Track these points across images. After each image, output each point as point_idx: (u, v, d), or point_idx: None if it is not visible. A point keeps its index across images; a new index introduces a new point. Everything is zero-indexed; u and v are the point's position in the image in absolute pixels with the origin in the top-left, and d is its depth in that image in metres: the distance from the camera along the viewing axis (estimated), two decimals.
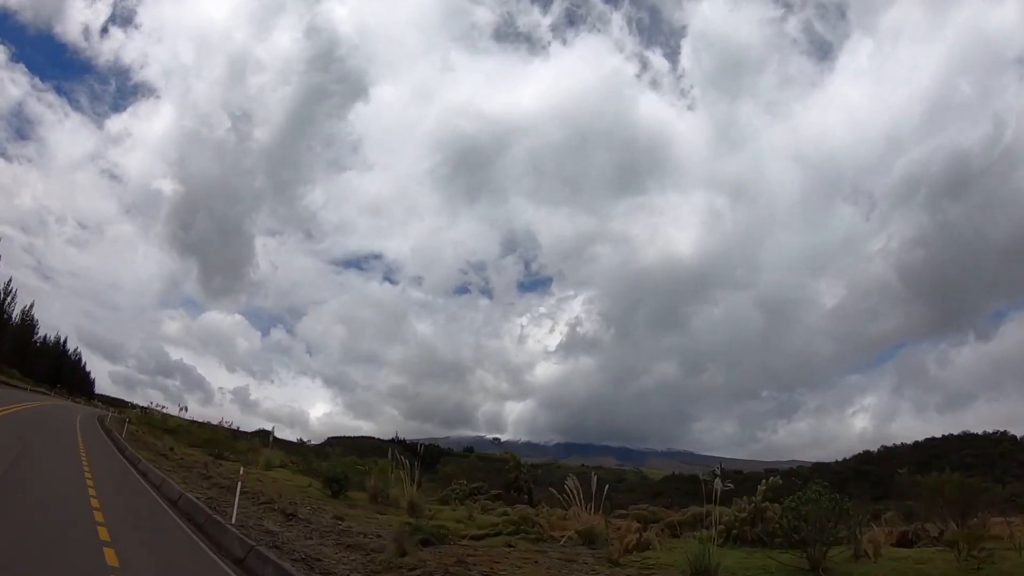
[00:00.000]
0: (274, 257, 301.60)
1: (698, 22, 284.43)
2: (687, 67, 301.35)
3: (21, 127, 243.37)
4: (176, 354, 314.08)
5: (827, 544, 9.95)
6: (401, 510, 14.85)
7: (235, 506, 10.05)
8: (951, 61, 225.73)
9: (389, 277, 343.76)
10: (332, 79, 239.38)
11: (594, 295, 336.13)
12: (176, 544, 8.75)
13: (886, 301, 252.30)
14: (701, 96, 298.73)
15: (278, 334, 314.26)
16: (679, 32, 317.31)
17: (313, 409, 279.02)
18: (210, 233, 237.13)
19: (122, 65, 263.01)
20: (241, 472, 11.52)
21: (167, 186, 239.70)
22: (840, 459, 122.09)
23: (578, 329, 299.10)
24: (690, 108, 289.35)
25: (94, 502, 10.28)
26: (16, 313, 79.33)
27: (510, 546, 11.35)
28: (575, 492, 13.50)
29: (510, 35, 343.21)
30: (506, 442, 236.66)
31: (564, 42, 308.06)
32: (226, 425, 51.99)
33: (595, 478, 13.87)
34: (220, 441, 30.29)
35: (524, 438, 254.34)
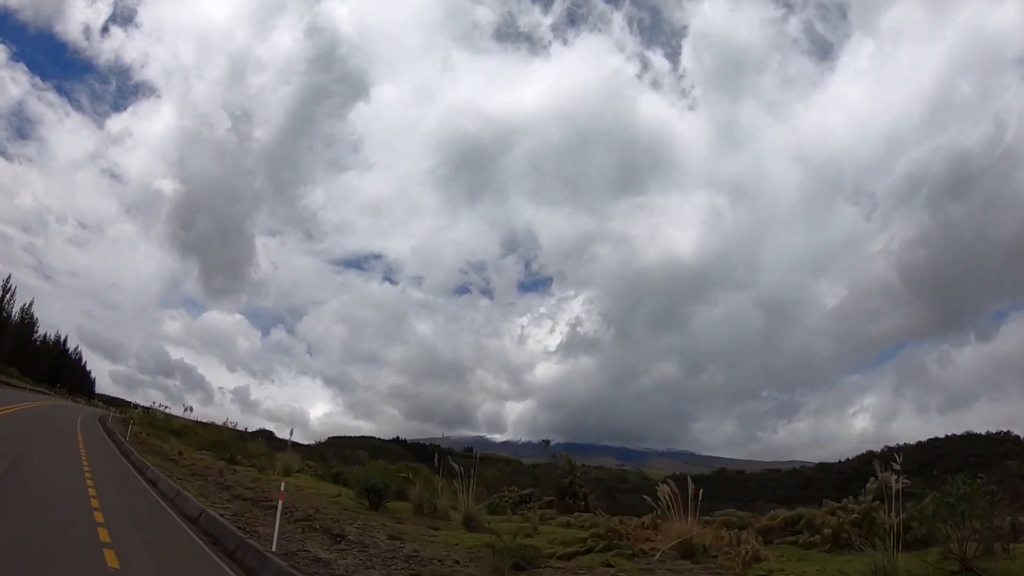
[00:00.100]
0: (274, 257, 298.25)
1: (699, 22, 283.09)
2: (688, 67, 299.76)
3: (21, 126, 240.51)
4: (176, 354, 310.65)
5: (987, 542, 8.78)
6: (453, 523, 12.67)
7: (276, 529, 7.82)
8: (952, 61, 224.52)
9: (389, 277, 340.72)
10: (333, 79, 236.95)
11: (594, 295, 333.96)
12: None
13: (887, 301, 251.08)
14: (702, 96, 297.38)
15: (278, 334, 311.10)
16: (680, 32, 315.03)
17: (313, 409, 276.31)
18: (210, 233, 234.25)
19: (123, 65, 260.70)
20: (283, 489, 9.25)
21: (167, 186, 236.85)
22: (843, 459, 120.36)
23: (578, 329, 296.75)
24: (691, 108, 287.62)
25: (99, 518, 8.19)
26: (15, 311, 76.80)
27: (609, 565, 9.26)
28: (671, 498, 11.38)
29: (511, 35, 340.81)
30: (506, 442, 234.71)
31: (565, 42, 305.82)
32: (231, 426, 49.62)
33: (690, 481, 11.76)
34: (229, 443, 27.95)
35: (524, 438, 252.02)
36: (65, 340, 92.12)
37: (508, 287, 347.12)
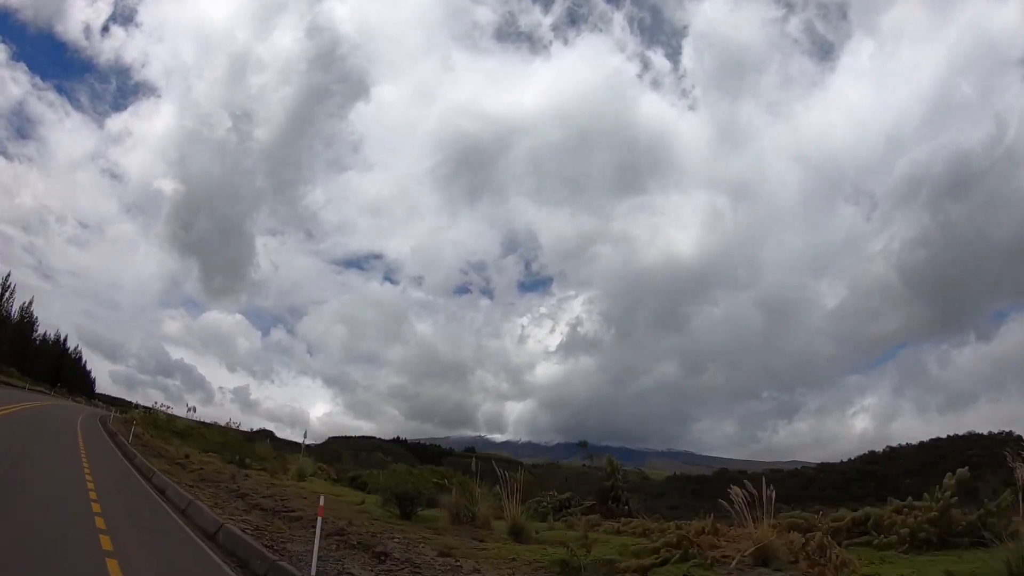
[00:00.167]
0: (275, 257, 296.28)
1: (700, 22, 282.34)
2: (688, 67, 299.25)
3: (22, 126, 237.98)
4: (176, 354, 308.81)
5: None
6: (497, 534, 11.31)
7: (315, 551, 6.45)
8: (953, 61, 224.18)
9: (390, 277, 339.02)
10: (333, 79, 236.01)
11: (595, 295, 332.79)
12: None
13: (887, 301, 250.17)
14: (702, 96, 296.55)
15: (278, 334, 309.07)
16: (680, 32, 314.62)
17: (313, 409, 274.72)
18: (211, 233, 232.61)
19: (123, 64, 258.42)
20: (321, 503, 7.87)
21: (168, 186, 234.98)
22: (845, 459, 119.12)
23: (579, 329, 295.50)
24: (691, 108, 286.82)
25: (106, 544, 6.81)
26: (15, 310, 75.15)
27: None
28: (746, 499, 10.08)
29: (511, 35, 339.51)
30: (507, 442, 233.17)
31: (565, 42, 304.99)
32: (234, 426, 48.12)
33: (764, 480, 10.45)
34: (235, 445, 26.49)
35: (524, 438, 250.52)
36: (65, 339, 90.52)
37: (508, 287, 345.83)
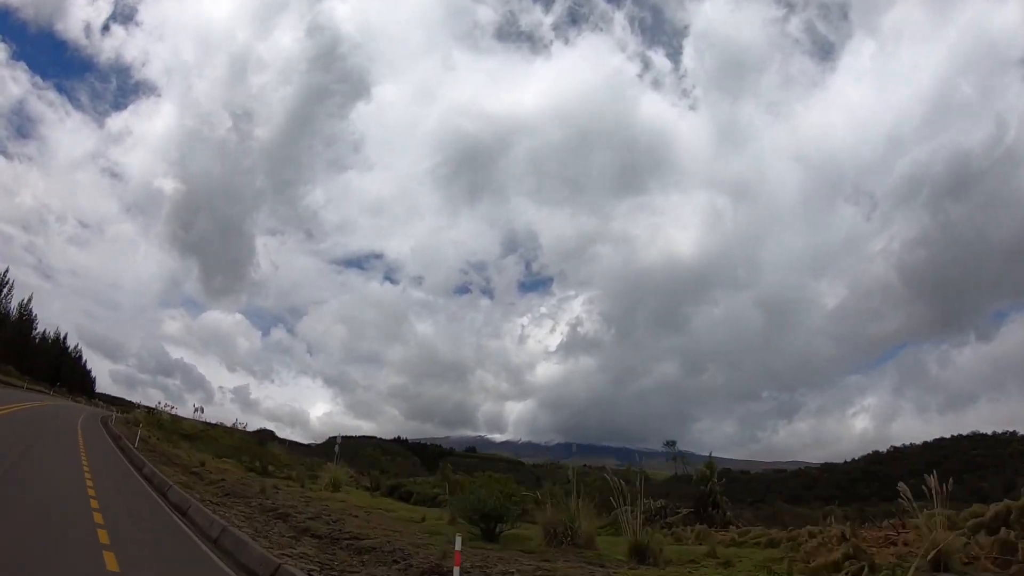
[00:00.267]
0: (275, 257, 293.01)
1: (700, 22, 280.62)
2: (689, 67, 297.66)
3: (22, 125, 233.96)
4: (176, 353, 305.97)
5: None
6: (607, 553, 9.11)
7: None
8: (953, 62, 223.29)
9: (390, 277, 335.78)
10: (333, 78, 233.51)
11: (595, 295, 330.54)
12: None
13: (887, 301, 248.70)
14: (703, 96, 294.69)
15: (279, 334, 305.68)
16: (681, 32, 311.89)
17: (313, 409, 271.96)
18: (211, 232, 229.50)
19: (123, 63, 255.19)
20: (458, 548, 5.63)
21: (168, 185, 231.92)
22: (849, 459, 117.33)
23: (579, 329, 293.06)
24: (692, 108, 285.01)
25: None
26: (13, 307, 72.40)
27: None
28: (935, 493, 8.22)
29: (512, 34, 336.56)
30: (507, 442, 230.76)
31: (566, 41, 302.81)
32: (240, 427, 45.68)
33: (935, 474, 8.54)
34: (251, 449, 24.14)
35: (524, 438, 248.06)
36: (65, 338, 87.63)
37: (508, 287, 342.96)
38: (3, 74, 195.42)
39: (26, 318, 74.73)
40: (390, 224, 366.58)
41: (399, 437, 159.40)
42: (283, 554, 7.11)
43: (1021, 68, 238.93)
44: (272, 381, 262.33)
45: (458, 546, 5.69)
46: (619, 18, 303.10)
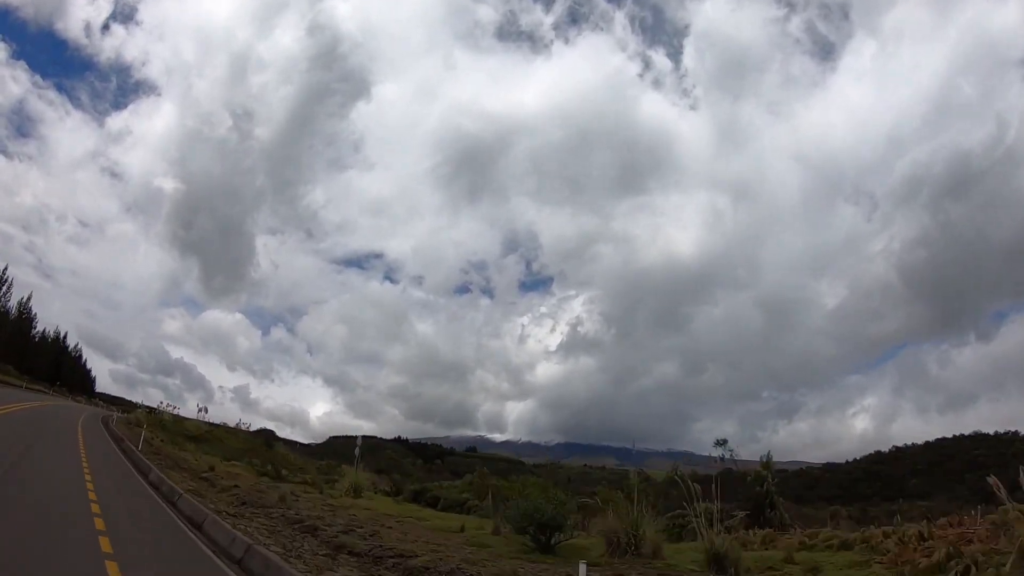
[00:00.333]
0: (275, 256, 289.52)
1: (701, 21, 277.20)
2: (690, 66, 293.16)
3: (22, 125, 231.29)
4: (176, 353, 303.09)
5: None
6: (678, 563, 8.00)
7: None
8: (954, 61, 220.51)
9: (390, 276, 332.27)
10: (334, 77, 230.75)
11: (595, 295, 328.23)
12: None
13: (887, 301, 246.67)
14: (703, 96, 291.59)
15: (279, 333, 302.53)
16: (682, 31, 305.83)
17: (313, 408, 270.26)
18: (211, 232, 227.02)
19: (123, 62, 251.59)
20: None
21: (168, 184, 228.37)
22: (851, 459, 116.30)
23: (579, 329, 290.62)
24: (692, 108, 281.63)
25: None
26: (13, 306, 70.97)
27: None
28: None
29: (513, 34, 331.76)
30: (507, 441, 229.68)
31: (567, 41, 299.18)
32: (244, 427, 44.43)
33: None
34: (260, 451, 22.92)
35: (524, 438, 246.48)
36: (65, 337, 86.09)
37: (509, 287, 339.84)
38: (3, 73, 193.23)
39: (25, 316, 73.29)
40: (390, 224, 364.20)
41: (399, 437, 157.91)
42: None
43: (1022, 68, 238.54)
44: (272, 381, 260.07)
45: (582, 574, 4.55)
46: (619, 18, 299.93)
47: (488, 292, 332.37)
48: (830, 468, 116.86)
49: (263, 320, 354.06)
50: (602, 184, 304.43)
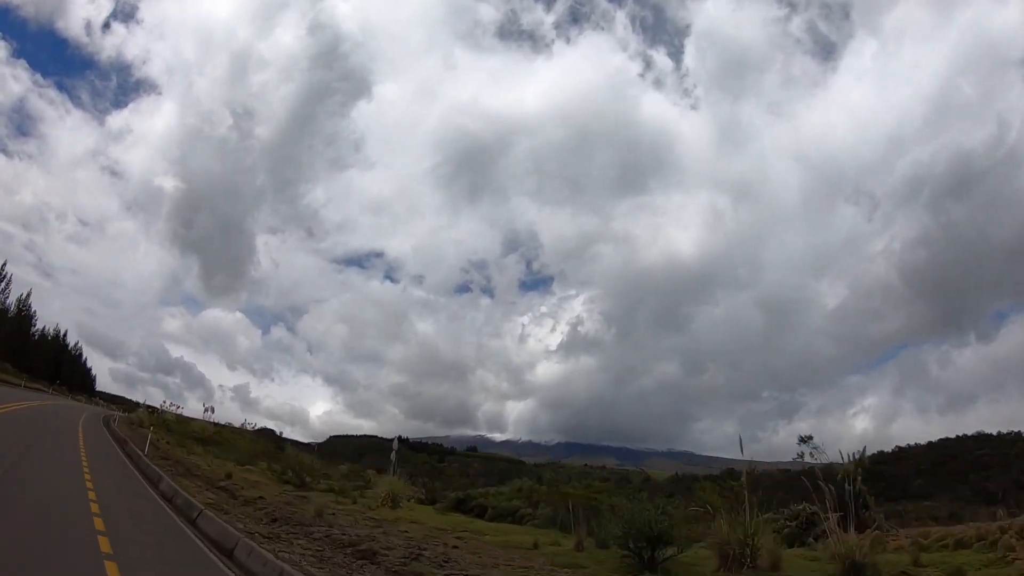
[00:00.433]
0: (275, 255, 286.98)
1: (702, 21, 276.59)
2: (690, 66, 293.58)
3: (22, 123, 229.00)
4: (176, 352, 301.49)
5: None
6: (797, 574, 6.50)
7: None
8: (955, 62, 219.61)
9: (390, 276, 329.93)
10: (335, 77, 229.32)
11: (596, 294, 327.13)
12: None
13: (888, 302, 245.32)
14: (704, 95, 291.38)
15: (279, 332, 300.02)
16: (683, 31, 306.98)
17: (313, 407, 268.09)
18: (211, 231, 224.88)
19: (124, 61, 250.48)
20: None
21: (168, 183, 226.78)
22: (854, 459, 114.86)
23: (579, 328, 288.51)
24: (693, 108, 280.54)
25: None
26: (12, 303, 68.96)
27: None
28: None
29: (513, 33, 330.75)
30: (507, 441, 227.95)
31: (568, 40, 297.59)
32: (249, 427, 42.63)
33: None
34: (275, 455, 21.23)
35: (525, 437, 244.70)
36: (65, 335, 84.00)
37: (509, 286, 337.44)
38: (4, 72, 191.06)
39: (24, 314, 71.27)
40: (391, 223, 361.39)
41: (400, 436, 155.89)
42: None
43: (1022, 68, 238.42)
44: (272, 380, 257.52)
45: None
46: (620, 17, 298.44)
47: (488, 291, 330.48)
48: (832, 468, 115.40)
49: (263, 319, 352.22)
50: (602, 184, 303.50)
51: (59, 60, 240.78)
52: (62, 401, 48.33)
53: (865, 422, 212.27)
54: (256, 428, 46.53)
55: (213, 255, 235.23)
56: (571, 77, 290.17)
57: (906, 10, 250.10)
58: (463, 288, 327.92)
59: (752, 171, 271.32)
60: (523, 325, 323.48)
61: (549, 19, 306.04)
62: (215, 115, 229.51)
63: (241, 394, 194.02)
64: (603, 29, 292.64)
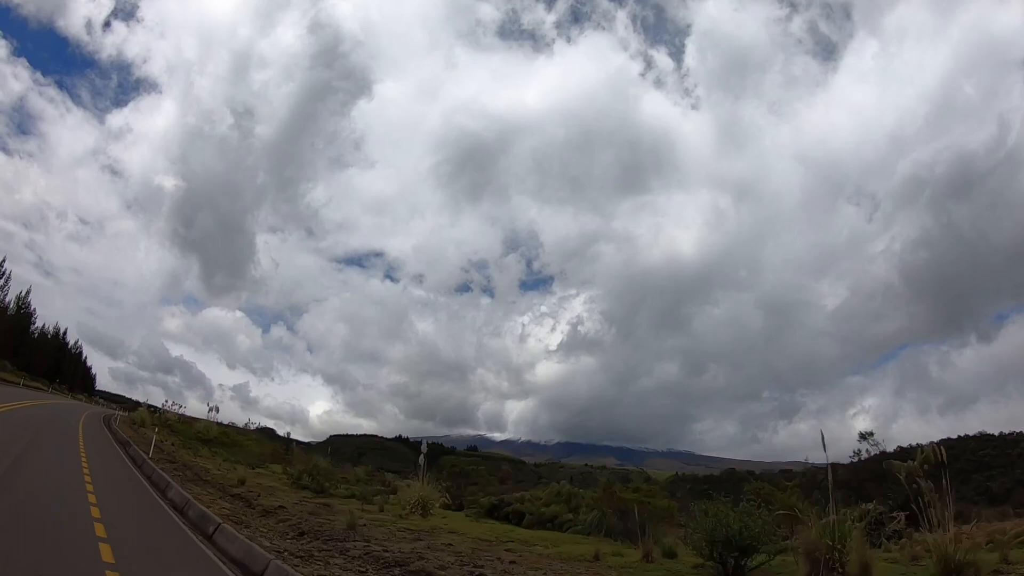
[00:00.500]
0: (275, 254, 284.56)
1: (703, 21, 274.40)
2: (691, 66, 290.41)
3: (23, 122, 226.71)
4: (176, 351, 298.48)
5: None
6: None
7: None
8: (956, 62, 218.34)
9: (391, 275, 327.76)
10: (336, 75, 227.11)
11: (596, 294, 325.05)
12: None
13: (888, 302, 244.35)
14: (705, 95, 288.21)
15: (279, 331, 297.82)
16: (684, 31, 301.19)
17: (313, 407, 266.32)
18: (212, 230, 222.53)
19: (124, 60, 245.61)
20: None
21: (169, 182, 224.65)
22: (857, 460, 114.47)
23: (580, 328, 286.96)
24: (694, 107, 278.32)
25: None
26: (11, 300, 67.64)
27: None
28: None
29: (514, 32, 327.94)
30: (507, 441, 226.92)
31: (569, 40, 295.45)
32: (251, 427, 41.49)
33: None
34: (287, 457, 20.14)
35: (525, 437, 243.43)
36: (65, 333, 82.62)
37: (510, 286, 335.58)
38: (4, 70, 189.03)
39: (24, 312, 69.95)
40: (391, 222, 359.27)
41: (400, 436, 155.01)
42: None
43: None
44: (272, 379, 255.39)
45: None
46: (621, 16, 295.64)
47: (489, 291, 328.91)
48: (834, 468, 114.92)
49: (263, 318, 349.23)
50: (603, 183, 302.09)
51: (59, 59, 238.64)
52: (62, 400, 47.13)
53: (865, 422, 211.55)
54: (257, 427, 45.37)
55: (213, 254, 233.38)
56: (572, 76, 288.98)
57: (907, 10, 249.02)
58: (463, 288, 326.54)
59: (753, 171, 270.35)
60: (523, 325, 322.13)
61: (550, 18, 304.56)
62: (216, 114, 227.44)
63: (241, 393, 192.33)
64: (604, 29, 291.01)
